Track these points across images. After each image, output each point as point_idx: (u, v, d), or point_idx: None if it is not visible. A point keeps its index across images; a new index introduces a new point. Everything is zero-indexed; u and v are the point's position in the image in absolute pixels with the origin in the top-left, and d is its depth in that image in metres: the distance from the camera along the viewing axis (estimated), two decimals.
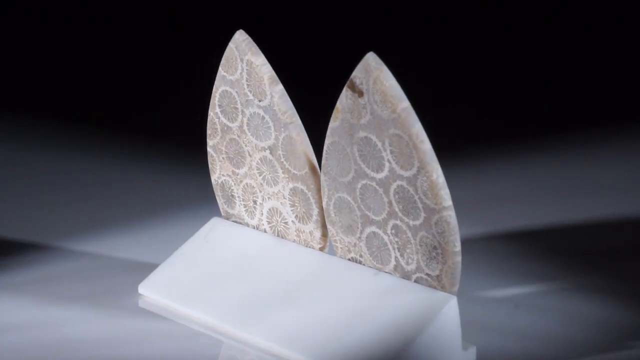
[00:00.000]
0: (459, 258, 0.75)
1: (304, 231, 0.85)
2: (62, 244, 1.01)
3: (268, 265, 0.85)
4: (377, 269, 0.80)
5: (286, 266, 0.84)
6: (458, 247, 0.75)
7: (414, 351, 0.73)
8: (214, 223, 0.92)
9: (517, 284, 0.90)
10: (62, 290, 0.91)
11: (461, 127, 1.36)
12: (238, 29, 0.85)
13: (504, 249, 0.98)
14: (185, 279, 0.88)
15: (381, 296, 0.78)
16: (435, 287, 0.76)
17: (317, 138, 0.83)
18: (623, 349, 0.79)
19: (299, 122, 0.83)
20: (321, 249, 0.84)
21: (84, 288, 0.91)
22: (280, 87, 0.83)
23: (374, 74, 0.75)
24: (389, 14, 1.80)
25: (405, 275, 0.78)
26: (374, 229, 0.79)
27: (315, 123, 0.86)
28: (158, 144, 1.32)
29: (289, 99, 0.83)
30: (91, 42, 1.74)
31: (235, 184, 0.90)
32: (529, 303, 0.86)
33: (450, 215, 0.74)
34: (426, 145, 0.74)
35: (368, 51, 0.76)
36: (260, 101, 0.84)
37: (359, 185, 0.79)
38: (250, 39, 0.84)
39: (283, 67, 0.89)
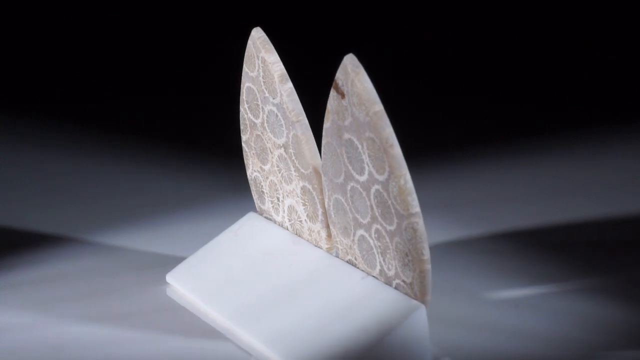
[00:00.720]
0: (426, 266, 0.74)
1: (313, 230, 0.85)
2: (99, 238, 1.01)
3: (280, 264, 0.85)
4: (367, 273, 0.80)
5: (293, 265, 0.84)
6: (426, 255, 0.73)
7: (372, 358, 0.74)
8: (248, 218, 0.92)
9: (517, 284, 0.90)
10: (93, 284, 0.91)
11: (461, 127, 1.36)
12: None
13: (504, 249, 0.98)
14: (208, 272, 0.89)
15: (360, 300, 0.78)
16: (409, 295, 0.76)
17: None
18: (625, 349, 0.79)
19: (305, 121, 0.83)
20: (328, 250, 0.84)
21: (113, 282, 0.92)
22: (289, 85, 0.83)
23: (351, 76, 0.74)
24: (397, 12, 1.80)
25: (388, 281, 0.78)
26: (362, 232, 0.79)
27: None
28: (203, 140, 1.33)
29: (296, 97, 0.83)
30: (119, 42, 1.74)
31: (263, 180, 0.90)
32: (529, 303, 0.86)
33: (417, 222, 0.73)
34: (395, 150, 0.73)
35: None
36: (273, 99, 0.84)
37: (349, 187, 0.79)
38: (265, 37, 0.84)
39: (308, 64, 0.89)
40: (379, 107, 0.73)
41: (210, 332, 0.83)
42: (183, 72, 1.62)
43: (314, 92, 0.93)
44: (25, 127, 1.39)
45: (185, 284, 0.89)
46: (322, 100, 0.91)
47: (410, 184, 0.73)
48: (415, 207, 0.73)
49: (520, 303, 0.86)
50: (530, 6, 1.76)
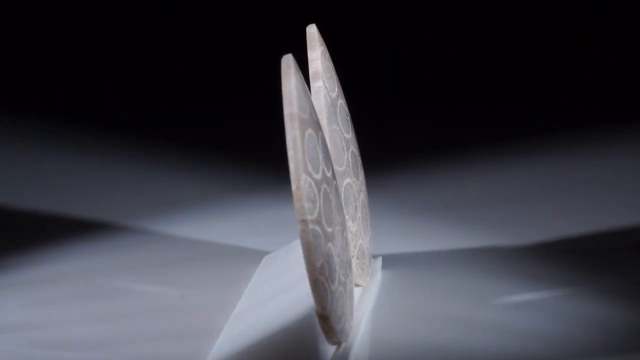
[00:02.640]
0: (314, 276, 0.71)
1: None
2: (99, 238, 1.01)
3: (296, 267, 0.86)
4: None
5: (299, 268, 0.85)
6: (310, 264, 0.71)
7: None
8: None
9: (517, 284, 0.90)
10: (93, 284, 0.92)
11: (461, 127, 1.36)
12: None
13: (505, 250, 0.98)
14: (275, 265, 0.89)
15: (299, 306, 0.78)
16: None
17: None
18: (625, 350, 0.78)
19: (324, 121, 0.83)
20: None
21: (113, 282, 0.92)
22: (317, 84, 0.83)
23: (282, 76, 0.74)
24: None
25: None
26: None
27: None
28: (205, 141, 1.33)
29: (320, 96, 0.83)
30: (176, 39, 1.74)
31: None
32: (530, 304, 0.86)
33: (303, 230, 0.71)
34: (291, 153, 0.72)
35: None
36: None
37: None
38: (313, 33, 0.84)
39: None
40: (290, 109, 0.72)
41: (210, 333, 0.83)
42: (183, 72, 1.62)
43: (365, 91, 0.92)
44: (25, 127, 1.39)
45: (259, 274, 0.90)
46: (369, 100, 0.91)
47: (301, 191, 0.71)
48: (302, 215, 0.71)
49: (520, 304, 0.86)
50: (530, 6, 1.76)
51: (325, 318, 0.72)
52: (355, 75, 1.42)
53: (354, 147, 0.87)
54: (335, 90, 0.86)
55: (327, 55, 0.86)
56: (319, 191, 0.73)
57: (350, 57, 1.53)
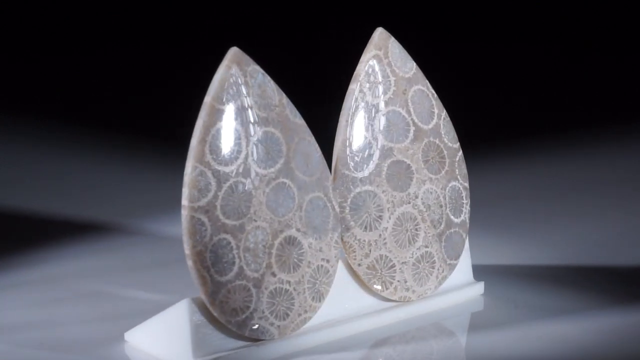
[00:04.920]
0: (188, 262, 0.74)
1: None
2: (99, 238, 1.02)
3: None
4: None
5: None
6: (186, 249, 0.74)
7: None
8: None
9: (517, 284, 0.90)
10: (93, 285, 0.92)
11: (460, 127, 1.36)
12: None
13: (504, 249, 0.98)
14: None
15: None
16: None
17: None
18: (626, 351, 0.79)
19: (341, 122, 0.83)
20: None
21: (112, 283, 0.92)
22: (352, 86, 0.83)
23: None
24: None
25: None
26: None
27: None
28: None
29: (349, 98, 0.83)
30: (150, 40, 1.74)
31: None
32: (529, 304, 0.86)
33: (183, 214, 0.74)
34: (192, 141, 0.74)
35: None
36: None
37: None
38: (375, 37, 0.84)
39: (304, 65, 0.89)
40: (205, 99, 0.77)
41: None
42: (183, 72, 1.62)
43: (302, 93, 0.92)
44: (25, 127, 1.39)
45: None
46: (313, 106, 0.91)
47: (187, 177, 0.74)
48: (183, 200, 0.74)
49: (520, 303, 0.86)
50: (530, 6, 1.77)
51: (207, 306, 0.74)
52: None
53: (405, 158, 0.85)
54: (386, 96, 0.84)
55: (390, 60, 0.85)
56: (220, 182, 0.74)
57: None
